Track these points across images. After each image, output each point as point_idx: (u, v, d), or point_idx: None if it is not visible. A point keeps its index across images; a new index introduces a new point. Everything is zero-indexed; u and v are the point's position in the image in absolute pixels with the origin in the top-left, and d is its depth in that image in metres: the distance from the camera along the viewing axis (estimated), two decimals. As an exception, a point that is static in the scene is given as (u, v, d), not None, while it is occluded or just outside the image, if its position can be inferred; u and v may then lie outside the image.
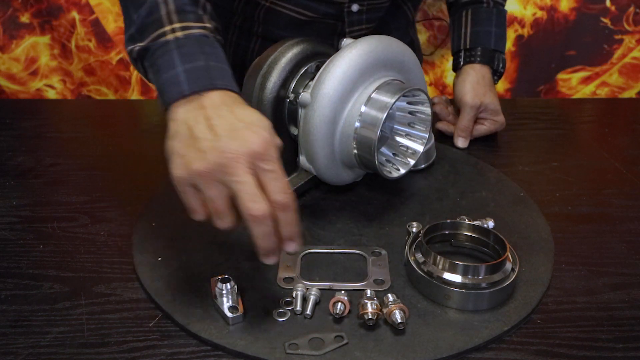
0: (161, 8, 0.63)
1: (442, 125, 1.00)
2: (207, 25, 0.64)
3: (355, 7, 0.92)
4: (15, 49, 1.63)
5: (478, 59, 0.99)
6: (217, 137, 0.54)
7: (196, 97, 0.58)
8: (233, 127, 0.55)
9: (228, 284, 0.59)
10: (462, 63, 1.00)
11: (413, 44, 1.15)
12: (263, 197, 0.52)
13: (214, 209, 0.54)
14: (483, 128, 0.98)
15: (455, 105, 1.00)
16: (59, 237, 0.72)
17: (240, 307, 0.59)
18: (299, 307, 0.60)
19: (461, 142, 0.96)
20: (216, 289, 0.59)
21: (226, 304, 0.59)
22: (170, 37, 0.61)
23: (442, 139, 0.98)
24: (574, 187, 0.85)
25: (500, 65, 1.00)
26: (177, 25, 0.62)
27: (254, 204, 0.52)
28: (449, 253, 0.68)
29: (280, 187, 0.53)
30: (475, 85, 0.97)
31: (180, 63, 0.60)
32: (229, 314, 0.58)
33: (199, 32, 0.62)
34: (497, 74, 1.01)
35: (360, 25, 0.95)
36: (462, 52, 1.01)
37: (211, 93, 0.58)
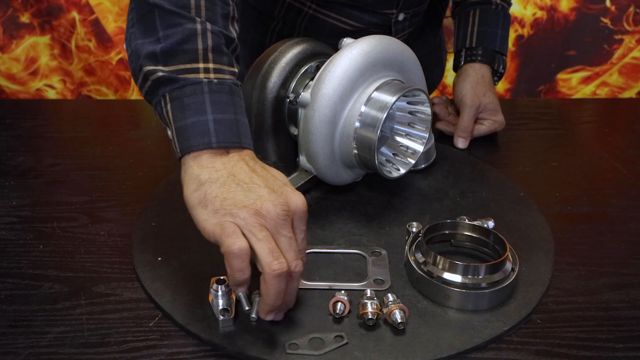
0: (199, 40, 0.59)
1: (442, 125, 1.00)
2: (236, 70, 0.62)
3: (401, 16, 0.92)
4: (15, 49, 1.64)
5: (479, 58, 0.99)
6: (264, 189, 0.55)
7: (223, 152, 0.57)
8: (276, 183, 0.57)
9: (222, 286, 0.59)
10: (462, 62, 1.00)
11: (442, 42, 1.16)
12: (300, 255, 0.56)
13: (269, 247, 0.53)
14: (483, 128, 0.98)
15: (455, 105, 1.00)
16: (59, 237, 0.72)
17: (232, 311, 0.58)
18: (246, 307, 0.58)
19: (461, 143, 0.96)
20: (211, 290, 0.59)
21: (219, 306, 0.58)
22: (203, 78, 0.58)
23: (442, 139, 0.98)
24: (574, 187, 0.85)
25: (501, 67, 1.00)
26: (211, 66, 0.59)
27: (298, 261, 0.54)
28: (449, 253, 0.68)
29: (304, 249, 0.57)
30: (475, 85, 0.97)
31: (212, 111, 0.57)
32: (219, 317, 0.58)
33: (230, 79, 0.60)
34: (497, 75, 1.01)
35: (404, 32, 0.96)
36: (464, 50, 1.00)
37: (238, 150, 0.58)
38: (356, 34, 0.89)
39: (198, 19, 0.59)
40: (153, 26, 0.59)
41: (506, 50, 1.02)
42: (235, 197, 0.54)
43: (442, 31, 1.16)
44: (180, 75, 0.58)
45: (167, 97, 0.59)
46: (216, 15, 0.60)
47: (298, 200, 0.56)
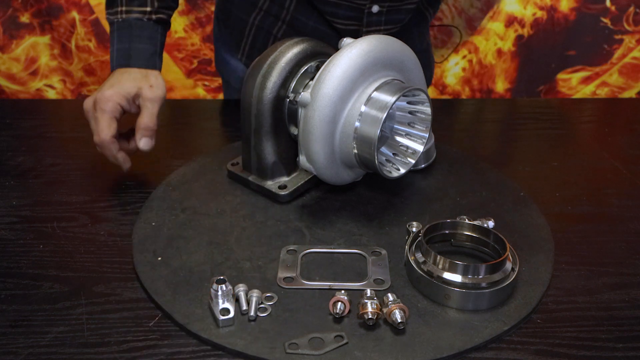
0: None
1: None
2: (147, 8, 0.84)
3: (375, 9, 0.91)
4: (15, 49, 1.64)
5: None
6: (95, 92, 0.80)
7: (119, 70, 0.83)
8: (100, 87, 0.80)
9: (223, 285, 0.59)
10: None
11: (429, 48, 1.14)
12: (100, 134, 0.78)
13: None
14: None
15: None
16: (59, 237, 0.72)
17: (232, 311, 0.58)
18: (244, 307, 0.60)
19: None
20: (211, 290, 0.59)
21: (219, 305, 0.58)
22: (116, 18, 0.84)
23: (442, 139, 0.98)
24: (574, 187, 0.85)
25: None
26: (124, 8, 0.84)
27: (96, 137, 0.79)
28: (449, 253, 0.68)
29: (95, 131, 0.79)
30: None
31: (115, 43, 0.84)
32: (219, 317, 0.58)
33: (135, 16, 0.84)
34: None
35: (379, 27, 0.95)
36: None
37: (123, 69, 0.82)
38: (335, 29, 0.93)
39: None
40: None
41: None
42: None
43: (429, 37, 1.15)
44: (110, 17, 0.86)
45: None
46: None
47: (99, 95, 0.79)
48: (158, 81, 0.82)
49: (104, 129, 0.78)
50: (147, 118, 0.79)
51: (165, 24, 0.88)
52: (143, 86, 0.80)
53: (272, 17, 0.98)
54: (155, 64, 0.84)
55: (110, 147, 0.78)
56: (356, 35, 0.93)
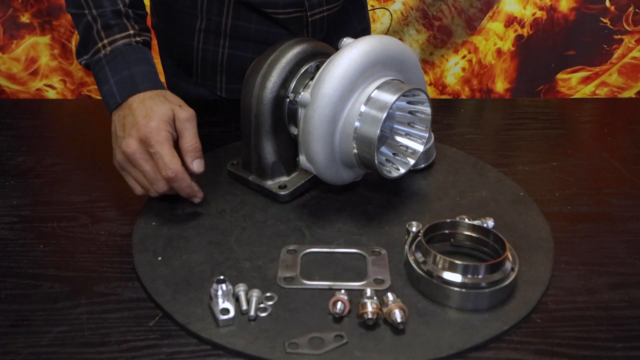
0: (93, 26, 0.77)
1: None
2: (130, 32, 0.78)
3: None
4: (15, 49, 1.64)
5: None
6: (123, 134, 0.72)
7: (125, 103, 0.74)
8: (134, 123, 0.71)
9: (223, 285, 0.59)
10: None
11: (367, 27, 1.15)
12: (159, 176, 0.70)
13: (138, 185, 0.73)
14: None
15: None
16: (59, 237, 0.72)
17: (232, 311, 0.58)
18: (244, 307, 0.60)
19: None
20: (211, 289, 0.59)
21: (219, 305, 0.58)
22: (102, 53, 0.77)
23: (442, 138, 0.98)
24: (574, 187, 0.85)
25: None
26: (105, 41, 0.77)
27: (150, 188, 0.72)
28: (449, 253, 0.68)
29: (165, 164, 0.69)
30: None
31: (111, 76, 0.75)
32: (219, 317, 0.58)
33: (122, 42, 0.77)
34: None
35: (321, 8, 0.94)
36: None
37: (136, 97, 0.73)
38: (278, 20, 0.92)
39: (87, 12, 0.78)
40: (75, 26, 0.81)
41: None
42: (114, 146, 0.74)
43: (368, 16, 1.16)
44: (91, 58, 0.78)
45: (94, 78, 0.78)
46: (101, 0, 0.77)
47: (142, 131, 0.70)
48: (179, 99, 0.76)
49: (173, 159, 0.69)
50: (192, 139, 0.72)
51: (149, 47, 0.81)
52: (173, 107, 0.73)
53: (213, 34, 0.97)
54: (161, 84, 0.77)
55: (185, 177, 0.71)
56: (301, 22, 0.93)
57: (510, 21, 1.62)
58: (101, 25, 0.77)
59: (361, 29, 1.11)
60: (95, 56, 0.77)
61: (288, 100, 0.75)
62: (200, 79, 1.03)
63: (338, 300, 0.59)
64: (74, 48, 1.63)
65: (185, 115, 0.73)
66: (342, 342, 0.56)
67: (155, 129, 0.70)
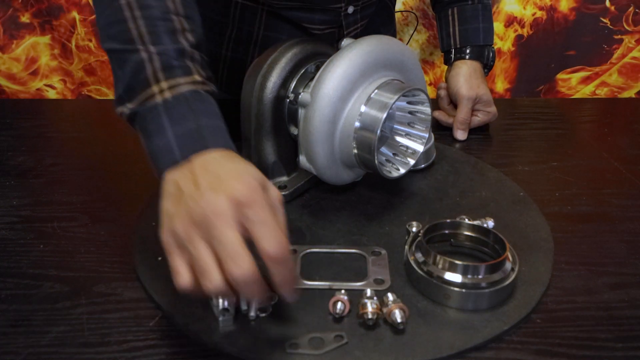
0: (147, 66, 0.59)
1: (438, 114, 1.02)
2: (197, 78, 0.60)
3: (351, 9, 0.92)
4: (15, 49, 1.64)
5: (468, 55, 1.03)
6: (202, 192, 0.50)
7: (187, 162, 0.55)
8: (219, 180, 0.51)
9: None
10: (452, 59, 1.04)
11: (394, 35, 1.17)
12: (246, 256, 0.48)
13: (199, 268, 0.49)
14: (476, 119, 1.01)
15: (451, 98, 1.02)
16: (59, 237, 0.72)
17: (232, 311, 0.58)
18: (244, 307, 0.59)
19: (461, 135, 0.99)
20: None
21: (219, 305, 0.58)
22: (158, 99, 0.58)
23: (442, 138, 0.98)
24: (574, 187, 0.85)
25: (490, 57, 1.04)
26: (164, 84, 0.59)
27: (235, 267, 0.48)
28: (449, 253, 0.69)
29: (272, 238, 0.49)
30: (468, 78, 1.00)
31: (171, 128, 0.57)
32: (219, 317, 0.58)
33: (187, 89, 0.59)
34: (487, 67, 1.04)
35: (356, 26, 0.96)
36: (453, 50, 1.04)
37: (203, 155, 0.55)
38: (312, 35, 0.90)
39: (142, 48, 0.59)
40: (115, 71, 0.62)
41: (492, 39, 1.05)
42: (175, 212, 0.51)
43: (395, 24, 1.18)
44: (141, 106, 0.59)
45: (139, 130, 0.60)
46: (160, 35, 0.60)
47: (240, 189, 0.50)
48: (260, 173, 0.54)
49: (243, 254, 0.48)
50: (283, 240, 0.51)
51: (217, 100, 0.62)
52: (264, 178, 0.54)
53: (243, 44, 0.97)
54: (233, 146, 0.58)
55: (260, 280, 0.50)
56: (334, 37, 0.95)
57: (510, 21, 1.62)
58: (160, 65, 0.59)
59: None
60: (148, 103, 0.58)
61: (288, 100, 0.75)
62: (225, 85, 1.03)
63: (338, 301, 0.59)
64: (74, 48, 1.64)
65: (279, 195, 0.55)
66: (342, 342, 0.56)
67: (257, 189, 0.51)
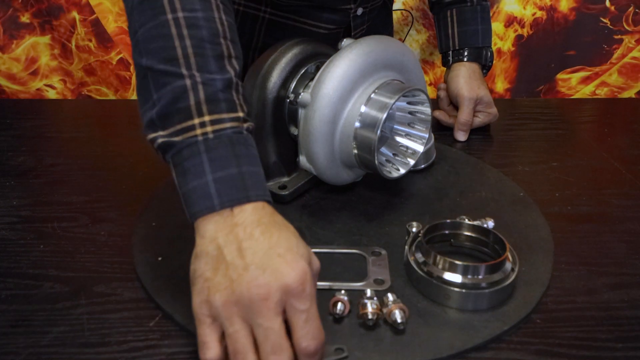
0: (190, 95, 0.54)
1: (439, 114, 1.03)
2: (240, 115, 0.55)
3: (360, 11, 0.92)
4: (15, 49, 1.63)
5: (466, 57, 1.03)
6: (247, 265, 0.48)
7: (228, 212, 0.51)
8: (267, 255, 0.49)
9: None
10: (451, 61, 1.04)
11: (391, 34, 1.20)
12: (287, 346, 0.47)
13: (234, 347, 0.47)
14: (477, 120, 1.01)
15: (451, 99, 1.02)
16: (59, 237, 0.72)
17: None
18: None
19: (462, 136, 0.99)
20: None
21: None
22: (199, 136, 0.53)
23: (442, 138, 0.98)
24: (574, 187, 0.85)
25: (489, 58, 1.05)
26: (207, 119, 0.53)
27: (277, 357, 0.46)
28: (449, 253, 0.68)
29: (311, 332, 0.48)
30: (468, 80, 1.01)
31: (210, 171, 0.52)
32: None
33: (231, 127, 0.54)
34: (485, 67, 1.05)
35: (362, 27, 0.96)
36: (451, 52, 1.05)
37: (245, 207, 0.51)
38: (317, 35, 0.90)
39: (186, 73, 0.54)
40: (148, 91, 0.56)
41: (490, 41, 1.06)
42: (214, 279, 0.49)
43: (392, 22, 1.20)
44: (177, 138, 0.54)
45: (171, 163, 0.55)
46: (207, 60, 0.55)
47: (290, 274, 0.47)
48: (304, 245, 0.52)
49: (286, 347, 0.47)
50: (321, 336, 0.50)
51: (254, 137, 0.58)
52: (309, 258, 0.51)
53: (243, 49, 0.96)
54: (269, 195, 0.55)
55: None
56: (338, 38, 0.94)
57: (510, 21, 1.62)
58: (204, 96, 0.54)
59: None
60: (186, 137, 0.53)
61: (288, 100, 0.75)
62: None
63: (338, 301, 0.59)
64: (74, 48, 1.63)
65: (318, 266, 0.53)
66: (342, 355, 0.55)
67: (308, 275, 0.48)
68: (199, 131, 0.53)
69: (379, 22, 1.06)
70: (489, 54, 1.04)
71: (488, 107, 1.00)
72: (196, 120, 0.53)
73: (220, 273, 0.49)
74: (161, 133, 0.55)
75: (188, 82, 0.54)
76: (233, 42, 0.58)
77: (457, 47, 1.03)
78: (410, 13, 1.60)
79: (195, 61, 0.55)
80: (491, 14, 1.62)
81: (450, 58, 1.04)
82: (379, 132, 0.68)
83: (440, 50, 1.07)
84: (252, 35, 0.94)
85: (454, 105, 1.02)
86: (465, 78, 1.00)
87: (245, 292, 0.47)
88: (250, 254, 0.49)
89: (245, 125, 0.56)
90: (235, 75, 0.57)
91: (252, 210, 0.52)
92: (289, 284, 0.47)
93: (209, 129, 0.53)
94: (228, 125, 0.54)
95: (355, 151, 0.71)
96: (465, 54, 1.03)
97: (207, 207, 0.51)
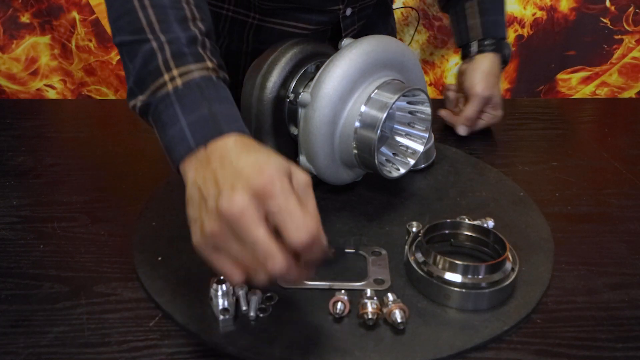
0: (157, 55, 0.58)
1: (445, 113, 1.02)
2: (209, 64, 0.59)
3: (349, 11, 0.91)
4: (15, 49, 1.63)
5: (490, 47, 0.99)
6: (221, 191, 0.49)
7: (203, 151, 0.53)
8: (236, 175, 0.49)
9: (223, 286, 0.59)
10: (474, 52, 1.00)
11: (393, 32, 1.16)
12: (277, 249, 0.47)
13: (244, 267, 0.49)
14: (481, 122, 1.00)
15: (464, 93, 1.00)
16: (59, 237, 0.72)
17: (232, 311, 0.58)
18: (244, 307, 0.59)
19: (463, 130, 0.98)
20: (211, 290, 0.59)
21: (219, 305, 0.58)
22: (170, 87, 0.57)
23: (442, 138, 0.98)
24: (574, 187, 0.85)
25: (507, 53, 1.01)
26: (175, 72, 0.57)
27: (271, 265, 0.47)
28: (449, 253, 0.68)
29: (296, 224, 0.47)
30: (486, 75, 0.97)
31: (183, 116, 0.55)
32: (219, 317, 0.58)
33: (199, 75, 0.57)
34: (505, 62, 1.02)
35: (354, 27, 0.95)
36: (476, 42, 1.00)
37: (218, 141, 0.53)
38: (306, 36, 0.88)
39: (152, 37, 0.58)
40: (125, 65, 0.60)
41: (506, 33, 1.03)
42: (201, 217, 0.50)
43: (394, 20, 1.17)
44: (152, 97, 0.57)
45: (152, 123, 0.59)
46: (170, 24, 0.59)
47: (255, 179, 0.48)
48: (282, 160, 0.52)
49: (274, 250, 0.47)
50: (317, 213, 0.50)
51: (229, 86, 0.61)
52: (289, 163, 0.51)
53: (233, 55, 0.96)
54: (247, 130, 0.57)
55: (323, 237, 0.50)
56: (326, 36, 0.94)
57: (510, 21, 1.62)
58: (170, 53, 0.58)
59: (387, 34, 1.09)
60: (159, 93, 0.57)
61: (288, 100, 0.75)
62: None
63: (338, 301, 0.59)
64: (74, 48, 1.63)
65: (306, 179, 0.51)
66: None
67: (276, 178, 0.48)
68: (169, 85, 0.56)
69: (377, 21, 1.06)
70: (508, 47, 1.01)
71: (495, 109, 0.99)
72: (166, 77, 0.57)
73: (203, 210, 0.50)
74: (140, 98, 0.58)
75: (154, 44, 0.58)
76: (197, 6, 0.61)
77: (481, 37, 0.99)
78: (417, 11, 1.59)
79: (160, 26, 0.58)
80: (491, 14, 1.62)
81: (474, 49, 1.00)
82: (379, 131, 0.68)
83: (460, 43, 1.03)
84: (241, 41, 0.94)
85: (465, 97, 1.00)
86: (484, 73, 0.97)
87: (224, 216, 0.47)
88: (222, 180, 0.50)
89: (214, 73, 0.58)
90: (200, 34, 0.60)
91: (225, 142, 0.53)
92: (256, 189, 0.47)
93: (178, 81, 0.57)
94: (196, 74, 0.57)
95: (355, 151, 0.71)
96: (489, 44, 0.99)
97: (184, 149, 0.54)
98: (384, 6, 1.09)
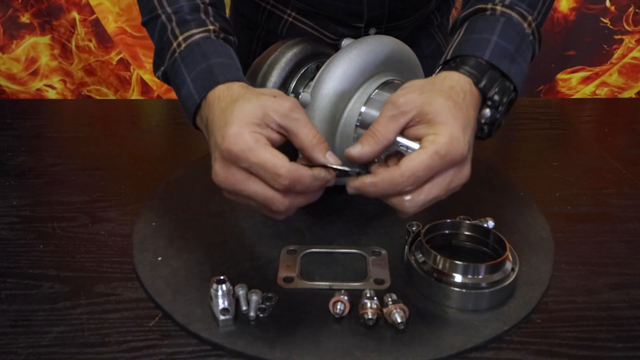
0: (167, 27, 0.66)
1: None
2: (210, 27, 0.65)
3: (373, 31, 0.91)
4: (15, 49, 1.64)
5: (454, 65, 0.62)
6: (219, 129, 0.55)
7: (204, 103, 0.60)
8: (214, 140, 0.56)
9: (223, 285, 0.59)
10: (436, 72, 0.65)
11: (435, 53, 1.01)
12: (273, 194, 0.54)
13: (259, 206, 0.56)
14: (413, 160, 0.59)
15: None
16: (59, 237, 0.72)
17: (232, 311, 0.58)
18: (244, 307, 0.59)
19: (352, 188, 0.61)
20: (211, 290, 0.59)
21: (219, 305, 0.58)
22: (177, 53, 0.63)
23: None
24: (574, 187, 0.85)
25: (495, 93, 0.62)
26: (180, 38, 0.64)
27: (273, 207, 0.54)
28: (449, 253, 0.68)
29: (269, 176, 0.53)
30: (424, 85, 0.60)
31: (187, 74, 0.61)
32: (219, 317, 0.58)
33: (199, 36, 0.64)
34: (489, 103, 0.62)
35: None
36: (441, 65, 0.65)
37: (214, 91, 0.59)
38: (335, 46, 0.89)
39: (161, 11, 0.67)
40: (153, 42, 0.69)
41: (516, 72, 0.64)
42: (213, 166, 0.56)
43: (440, 40, 1.07)
44: (168, 64, 0.65)
45: (174, 88, 0.65)
46: None
47: (226, 146, 0.53)
48: (272, 89, 0.62)
49: (278, 161, 0.52)
50: (310, 130, 0.56)
51: (234, 46, 0.67)
52: (264, 102, 0.55)
53: (270, 44, 0.97)
54: (244, 78, 0.62)
55: (303, 172, 0.54)
56: None
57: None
58: (176, 22, 0.65)
59: (427, 54, 0.99)
60: (171, 59, 0.64)
61: (288, 100, 0.75)
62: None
63: (338, 301, 0.59)
64: (74, 48, 1.64)
65: (287, 105, 0.55)
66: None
67: (238, 136, 0.53)
68: (177, 51, 0.64)
69: (419, 38, 0.99)
70: (504, 87, 0.63)
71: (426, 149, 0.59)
72: (174, 44, 0.64)
73: (212, 157, 0.57)
74: (162, 68, 0.66)
75: (164, 17, 0.66)
76: None
77: (448, 57, 0.64)
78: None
79: (167, 1, 0.67)
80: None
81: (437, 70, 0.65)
82: (379, 132, 0.68)
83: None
84: (276, 34, 0.95)
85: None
86: (422, 83, 0.61)
87: (217, 184, 0.56)
88: (211, 139, 0.57)
89: (215, 34, 0.65)
90: (203, 3, 0.67)
91: (220, 92, 0.59)
92: (224, 155, 0.54)
93: (183, 45, 0.64)
94: (197, 36, 0.64)
95: (355, 151, 0.70)
96: (457, 60, 0.62)
97: (192, 104, 0.61)
98: (429, 26, 1.00)
